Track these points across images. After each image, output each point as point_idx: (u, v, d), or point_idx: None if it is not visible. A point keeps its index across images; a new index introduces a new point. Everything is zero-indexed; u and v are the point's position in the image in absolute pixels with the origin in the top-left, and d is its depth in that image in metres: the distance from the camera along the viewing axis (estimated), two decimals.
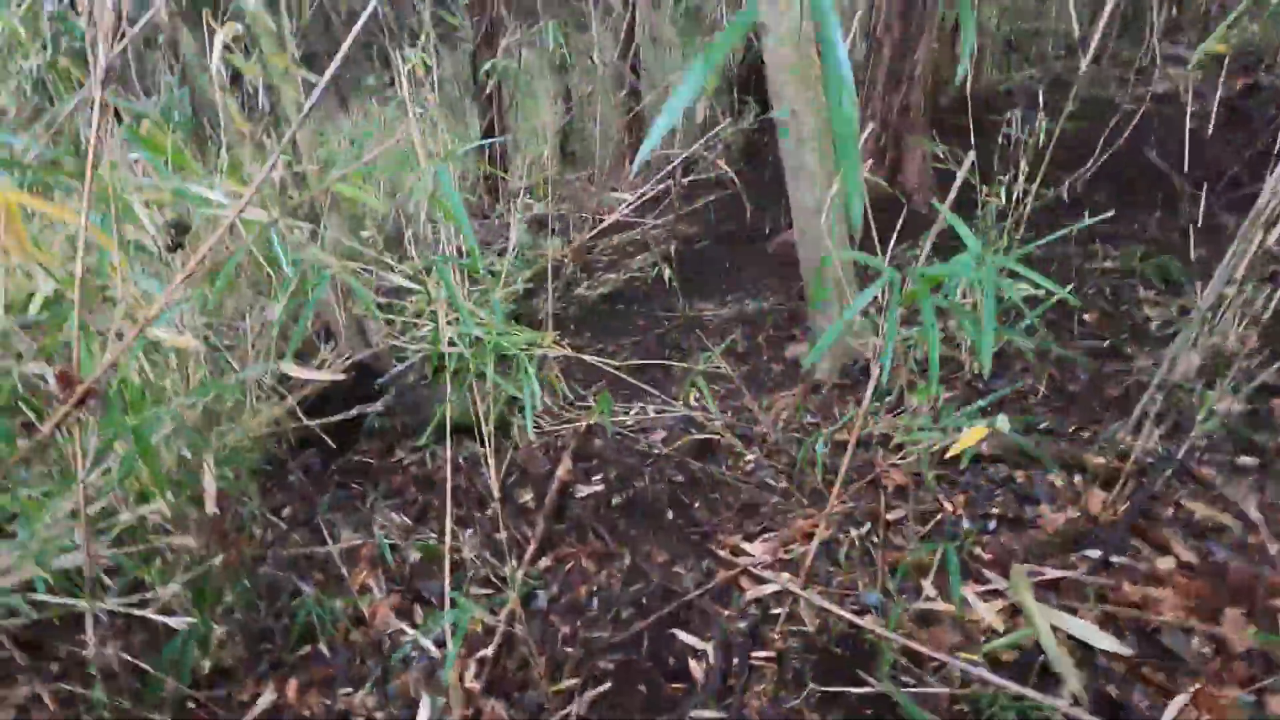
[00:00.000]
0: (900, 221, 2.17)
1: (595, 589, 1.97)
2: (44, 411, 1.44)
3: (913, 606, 1.56)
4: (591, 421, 2.79)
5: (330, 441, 2.42)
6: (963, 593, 1.58)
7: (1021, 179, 2.27)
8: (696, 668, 1.63)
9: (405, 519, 2.48)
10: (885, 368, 1.08)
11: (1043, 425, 2.05)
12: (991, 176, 2.70)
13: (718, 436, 2.48)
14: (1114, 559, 1.56)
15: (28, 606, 1.21)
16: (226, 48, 1.57)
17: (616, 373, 2.71)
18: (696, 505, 2.20)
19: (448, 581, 1.55)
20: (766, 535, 1.98)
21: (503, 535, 2.02)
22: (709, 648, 1.66)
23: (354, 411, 2.39)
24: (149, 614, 1.30)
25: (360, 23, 0.68)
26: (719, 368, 2.88)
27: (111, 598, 1.36)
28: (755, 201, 4.97)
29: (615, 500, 2.33)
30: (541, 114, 6.71)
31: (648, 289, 4.35)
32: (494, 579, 2.12)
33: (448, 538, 1.74)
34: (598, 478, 2.48)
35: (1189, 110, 4.40)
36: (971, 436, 1.14)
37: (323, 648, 1.98)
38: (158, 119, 1.47)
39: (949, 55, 4.07)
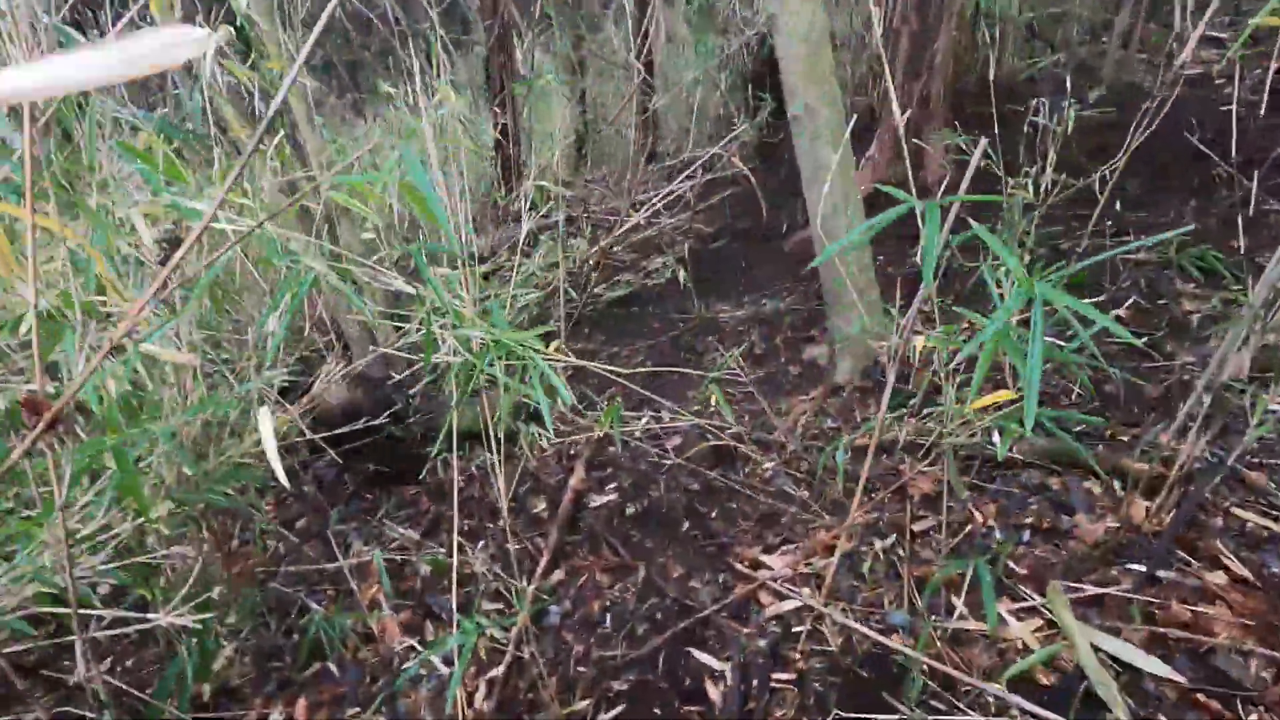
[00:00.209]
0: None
1: (609, 604, 1.91)
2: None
3: (943, 626, 1.47)
4: (604, 431, 2.73)
5: (337, 457, 2.37)
6: (996, 611, 1.48)
7: (1049, 169, 2.16)
8: (714, 689, 1.55)
9: (416, 532, 2.43)
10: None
11: (1078, 428, 1.94)
12: (1017, 168, 2.59)
13: (734, 444, 2.40)
14: (1160, 573, 1.46)
15: (30, 628, 1.17)
16: (222, 53, 1.53)
17: (628, 383, 2.64)
18: (713, 515, 2.13)
19: (455, 599, 1.48)
20: (786, 548, 1.90)
21: (514, 548, 1.96)
22: (727, 668, 1.59)
23: (362, 424, 2.34)
24: (152, 623, 1.26)
25: (322, 20, 0.62)
26: (736, 371, 2.81)
27: (111, 615, 1.33)
28: (771, 200, 4.88)
29: (629, 510, 2.27)
30: (555, 117, 6.67)
31: (663, 290, 4.28)
32: (505, 592, 2.07)
33: (454, 553, 1.69)
34: (611, 486, 2.42)
35: (1226, 92, 4.22)
36: (994, 396, 1.05)
37: (332, 666, 1.93)
38: (152, 131, 1.43)
39: (970, 43, 3.94)
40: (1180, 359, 2.14)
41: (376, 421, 2.39)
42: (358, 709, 1.82)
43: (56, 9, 1.54)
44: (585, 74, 6.78)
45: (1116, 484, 1.76)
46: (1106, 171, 3.00)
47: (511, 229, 5.10)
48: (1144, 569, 1.46)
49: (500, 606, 2.03)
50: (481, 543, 2.31)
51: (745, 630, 1.67)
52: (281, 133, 1.79)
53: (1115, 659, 1.30)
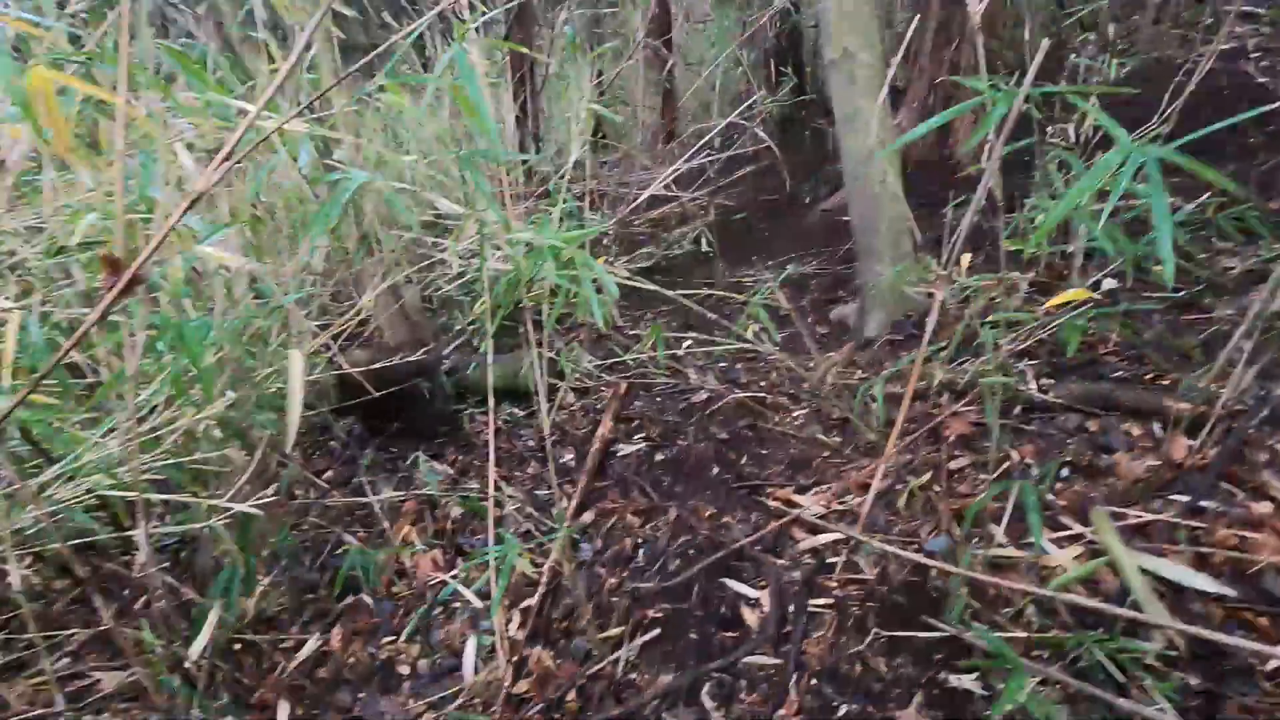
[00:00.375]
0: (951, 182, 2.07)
1: (640, 541, 1.92)
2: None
3: (982, 553, 1.47)
4: (631, 381, 2.73)
5: (366, 416, 2.40)
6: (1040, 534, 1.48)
7: (1089, 119, 2.14)
8: (750, 615, 1.56)
9: (446, 473, 2.46)
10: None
11: (1116, 374, 1.93)
12: (1052, 122, 2.56)
13: (764, 395, 2.40)
14: (1204, 504, 1.45)
15: (90, 520, 1.20)
16: None
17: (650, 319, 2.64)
18: (743, 461, 2.13)
19: (491, 520, 1.49)
20: (819, 488, 1.90)
21: (550, 475, 1.97)
22: (763, 595, 1.59)
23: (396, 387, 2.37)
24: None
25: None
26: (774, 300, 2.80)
27: (175, 499, 1.35)
28: (793, 173, 4.86)
29: (659, 457, 2.28)
30: (573, 96, 6.65)
31: (686, 261, 4.28)
32: (536, 532, 2.08)
33: (491, 483, 1.70)
34: (640, 436, 2.42)
35: (1263, 65, 4.15)
36: (1070, 294, 1.05)
37: (366, 598, 1.96)
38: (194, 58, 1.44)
39: (1001, 11, 3.89)
40: (1219, 312, 2.12)
41: (406, 385, 2.41)
42: (393, 637, 1.84)
43: None
44: (604, 53, 6.75)
45: (1156, 426, 1.74)
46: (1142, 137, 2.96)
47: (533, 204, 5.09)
48: (1188, 499, 1.45)
49: (531, 546, 2.04)
50: (511, 490, 2.33)
51: (780, 562, 1.68)
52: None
53: (1160, 581, 1.30)
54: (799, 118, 5.95)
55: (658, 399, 2.67)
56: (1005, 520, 1.49)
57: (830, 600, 1.51)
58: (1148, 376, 1.91)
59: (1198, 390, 1.71)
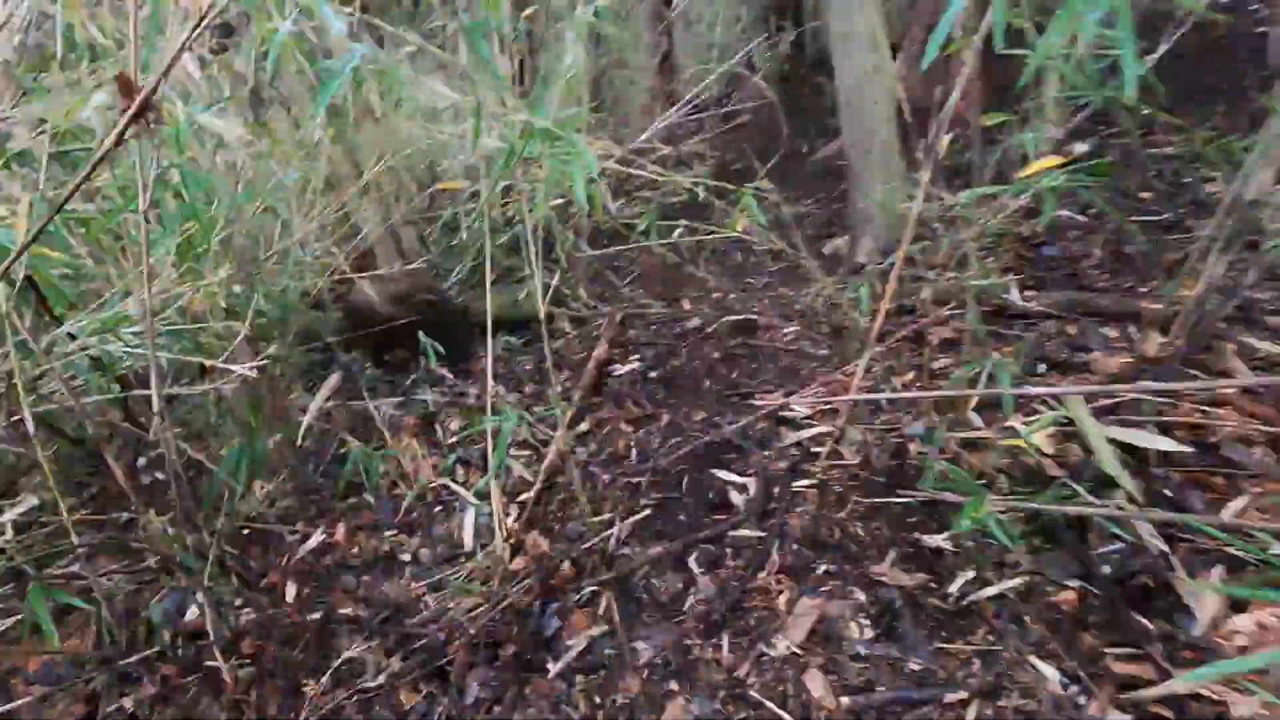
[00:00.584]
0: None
1: (633, 444, 1.98)
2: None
3: (957, 435, 1.54)
4: (627, 311, 2.79)
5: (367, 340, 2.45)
6: (1010, 423, 1.54)
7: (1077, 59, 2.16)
8: (738, 498, 1.63)
9: (443, 398, 2.52)
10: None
11: (1098, 286, 1.98)
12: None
13: (756, 318, 2.45)
14: (1171, 386, 1.51)
15: (101, 380, 1.25)
16: None
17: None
18: (735, 374, 2.19)
19: (489, 389, 1.55)
20: (806, 392, 1.96)
21: (547, 354, 2.03)
22: (750, 482, 1.66)
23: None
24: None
25: None
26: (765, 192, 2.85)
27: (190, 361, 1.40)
28: (791, 126, 4.86)
29: (653, 375, 2.34)
30: (571, 58, 6.59)
31: (683, 207, 4.30)
32: (533, 442, 2.15)
33: (489, 382, 1.76)
34: (634, 358, 2.48)
35: (1260, 15, 4.15)
36: (1044, 163, 1.09)
37: (369, 497, 2.03)
38: None
39: None
40: (1202, 231, 2.17)
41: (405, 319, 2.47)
42: (394, 531, 1.92)
43: None
44: (600, 14, 6.69)
45: (1133, 329, 1.80)
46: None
47: None
48: (1157, 383, 1.51)
49: (528, 453, 2.11)
50: (510, 402, 2.39)
51: (766, 454, 1.75)
52: None
53: (1125, 450, 1.36)
54: (798, 73, 5.94)
55: (652, 327, 2.72)
56: (981, 410, 1.55)
57: (813, 481, 1.58)
58: (1128, 286, 1.96)
59: (1174, 295, 1.77)
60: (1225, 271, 1.54)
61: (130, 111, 0.87)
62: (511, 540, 1.68)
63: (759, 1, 6.31)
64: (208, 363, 1.24)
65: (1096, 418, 1.50)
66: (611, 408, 2.22)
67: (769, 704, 1.15)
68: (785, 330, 2.30)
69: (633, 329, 2.75)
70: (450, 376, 2.72)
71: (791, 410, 1.91)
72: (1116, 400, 1.48)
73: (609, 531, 1.61)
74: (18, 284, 1.13)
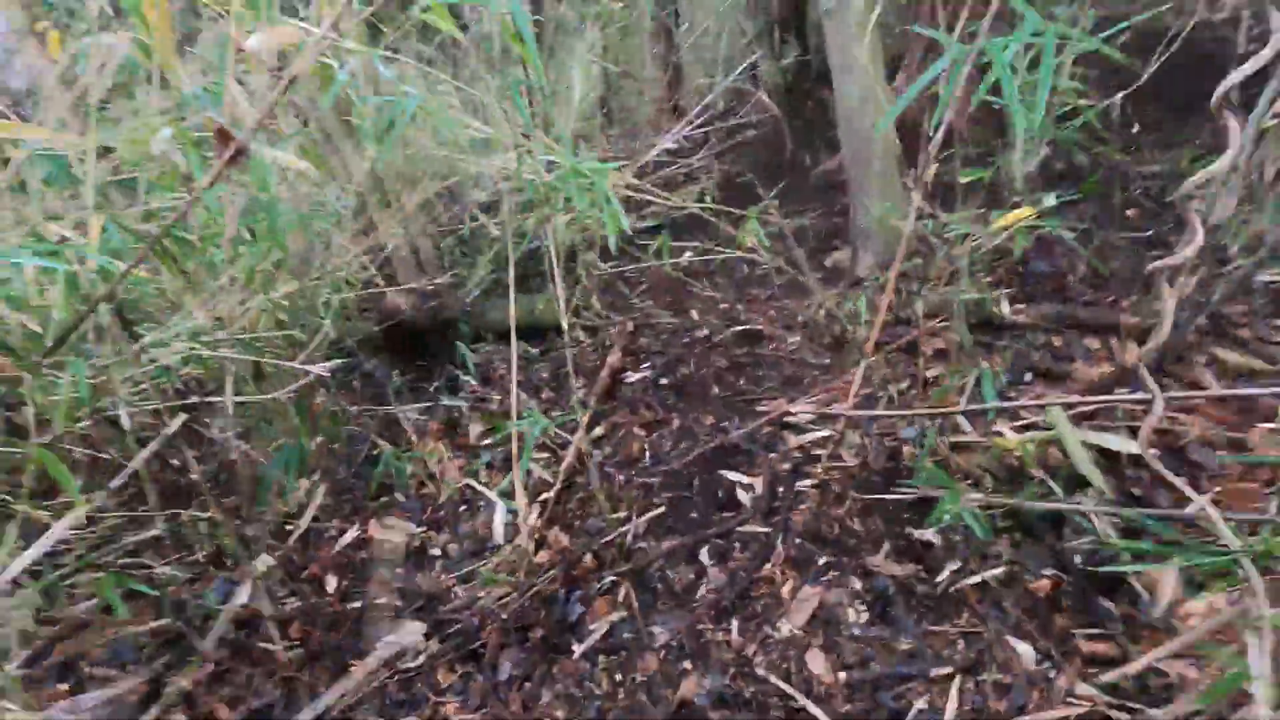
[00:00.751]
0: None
1: (646, 447, 2.12)
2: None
3: (947, 439, 1.67)
4: (637, 322, 2.93)
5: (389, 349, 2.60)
6: (996, 427, 1.68)
7: (1075, 79, 2.30)
8: (745, 497, 1.77)
9: (465, 404, 2.66)
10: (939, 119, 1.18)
11: (1083, 299, 2.11)
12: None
13: (761, 329, 2.59)
14: (1144, 394, 1.64)
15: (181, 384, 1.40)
16: None
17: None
18: (741, 382, 2.33)
19: (514, 390, 1.69)
20: (809, 399, 2.09)
21: (568, 359, 2.17)
22: (756, 482, 1.80)
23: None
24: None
25: None
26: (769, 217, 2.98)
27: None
28: (795, 139, 5.01)
29: (663, 381, 2.47)
30: (578, 70, 6.76)
31: (689, 220, 4.45)
32: (551, 444, 2.29)
33: (513, 392, 1.90)
34: (646, 365, 2.62)
35: (1254, 34, 4.28)
36: (1013, 216, 1.22)
37: (399, 496, 2.17)
38: None
39: None
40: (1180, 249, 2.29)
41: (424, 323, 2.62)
42: (423, 528, 2.06)
43: None
44: (607, 16, 6.85)
45: (1114, 341, 1.93)
46: (1121, 98, 3.12)
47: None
48: (1131, 392, 1.64)
49: (547, 455, 2.25)
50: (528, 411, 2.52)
51: (772, 456, 1.88)
52: None
53: (1100, 453, 1.49)
54: (802, 86, 6.08)
55: (662, 336, 2.86)
56: (969, 410, 1.68)
57: (815, 481, 1.71)
58: (1111, 300, 2.09)
59: (1150, 307, 1.90)
60: (1195, 289, 1.67)
61: (227, 158, 1.02)
62: (535, 536, 1.82)
63: (764, 14, 6.47)
64: (285, 365, 1.38)
65: (1075, 423, 1.64)
66: (625, 412, 2.35)
67: (774, 679, 1.28)
68: (789, 340, 2.43)
69: (643, 338, 2.89)
70: (471, 382, 2.86)
71: (794, 415, 2.04)
72: (1095, 407, 1.62)
73: (626, 527, 1.75)
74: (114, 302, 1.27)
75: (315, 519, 2.12)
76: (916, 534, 1.48)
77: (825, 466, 1.77)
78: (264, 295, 1.37)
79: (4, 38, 1.57)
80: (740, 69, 4.60)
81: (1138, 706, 1.11)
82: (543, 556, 1.77)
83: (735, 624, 1.42)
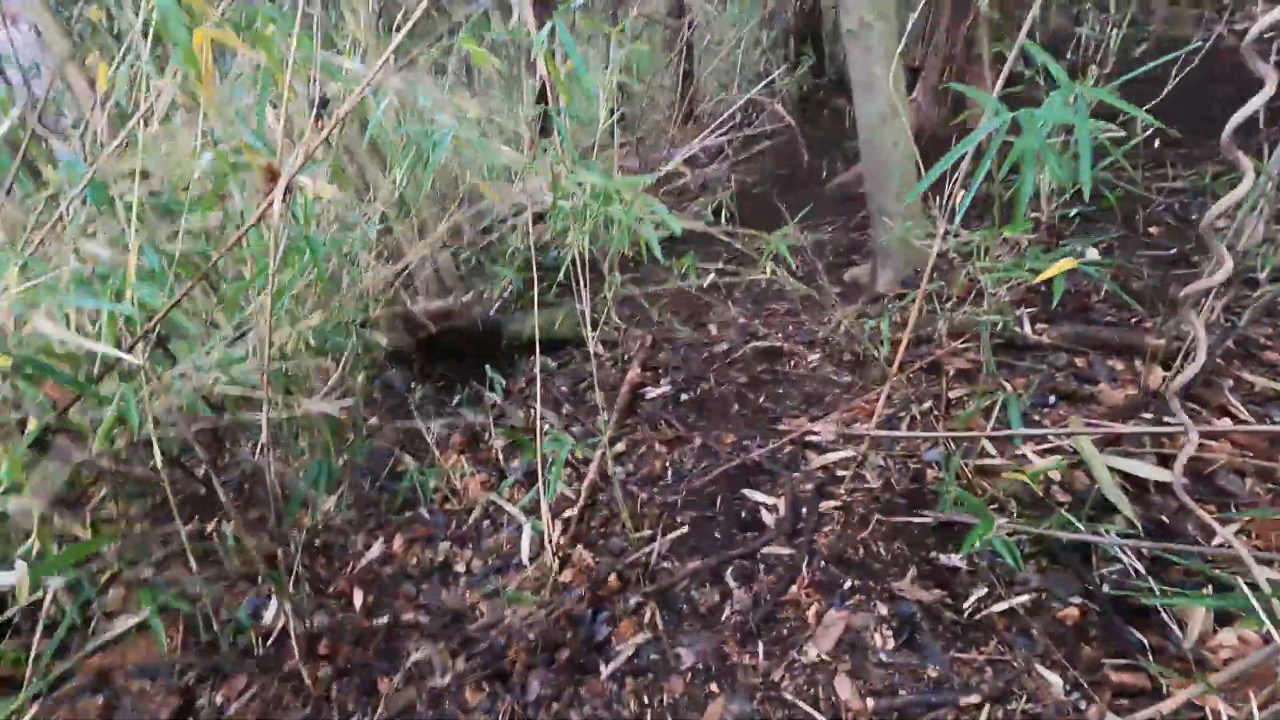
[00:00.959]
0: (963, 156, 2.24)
1: (668, 465, 2.13)
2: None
3: (972, 462, 1.67)
4: (656, 337, 2.94)
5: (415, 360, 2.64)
6: (1021, 450, 1.68)
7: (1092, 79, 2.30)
8: (768, 517, 1.78)
9: (488, 418, 2.68)
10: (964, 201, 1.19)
11: (1106, 320, 2.11)
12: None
13: (780, 345, 2.60)
14: (1170, 420, 1.63)
15: (208, 408, 1.43)
16: None
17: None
18: (762, 399, 2.34)
19: (539, 413, 1.71)
20: (831, 418, 2.10)
21: (592, 375, 2.19)
22: (779, 502, 1.80)
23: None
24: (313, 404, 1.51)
25: None
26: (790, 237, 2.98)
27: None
28: (811, 150, 5.02)
29: (684, 398, 2.49)
30: (593, 79, 6.80)
31: (704, 232, 4.46)
32: (573, 461, 2.30)
33: (538, 404, 1.92)
34: (665, 381, 2.64)
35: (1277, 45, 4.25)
36: (1058, 266, 1.23)
37: (423, 511, 2.20)
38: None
39: None
40: (1203, 268, 2.28)
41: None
42: (448, 543, 2.08)
43: None
44: (623, 28, 6.89)
45: (1138, 362, 1.93)
46: (1144, 112, 3.11)
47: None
48: (1156, 417, 1.64)
49: (569, 471, 2.27)
50: (549, 426, 2.55)
51: (795, 476, 1.89)
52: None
53: (1125, 478, 1.49)
54: (818, 96, 6.10)
55: (681, 351, 2.88)
56: (993, 432, 1.69)
57: (839, 503, 1.72)
58: (1134, 321, 2.09)
59: (1176, 329, 1.89)
60: (1221, 312, 1.66)
61: (276, 191, 1.04)
62: (560, 554, 1.83)
63: (779, 24, 6.49)
64: (315, 406, 1.41)
65: (1100, 448, 1.63)
66: (646, 429, 2.37)
67: (802, 704, 1.29)
68: (810, 357, 2.44)
69: (662, 352, 2.91)
70: (493, 396, 2.89)
71: (817, 435, 2.05)
72: (1118, 433, 1.61)
73: (649, 547, 1.76)
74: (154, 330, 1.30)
75: (340, 534, 2.15)
76: (942, 559, 1.49)
77: (848, 488, 1.78)
78: (298, 319, 1.40)
79: (51, 73, 1.61)
80: (764, 82, 4.61)
81: None
82: (567, 575, 1.79)
83: (761, 647, 1.43)
